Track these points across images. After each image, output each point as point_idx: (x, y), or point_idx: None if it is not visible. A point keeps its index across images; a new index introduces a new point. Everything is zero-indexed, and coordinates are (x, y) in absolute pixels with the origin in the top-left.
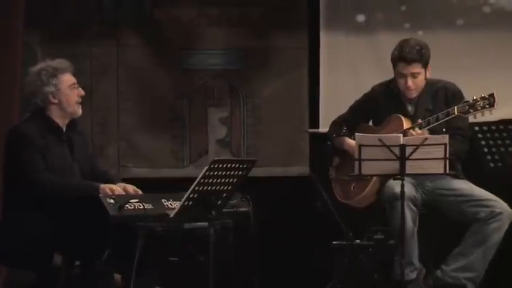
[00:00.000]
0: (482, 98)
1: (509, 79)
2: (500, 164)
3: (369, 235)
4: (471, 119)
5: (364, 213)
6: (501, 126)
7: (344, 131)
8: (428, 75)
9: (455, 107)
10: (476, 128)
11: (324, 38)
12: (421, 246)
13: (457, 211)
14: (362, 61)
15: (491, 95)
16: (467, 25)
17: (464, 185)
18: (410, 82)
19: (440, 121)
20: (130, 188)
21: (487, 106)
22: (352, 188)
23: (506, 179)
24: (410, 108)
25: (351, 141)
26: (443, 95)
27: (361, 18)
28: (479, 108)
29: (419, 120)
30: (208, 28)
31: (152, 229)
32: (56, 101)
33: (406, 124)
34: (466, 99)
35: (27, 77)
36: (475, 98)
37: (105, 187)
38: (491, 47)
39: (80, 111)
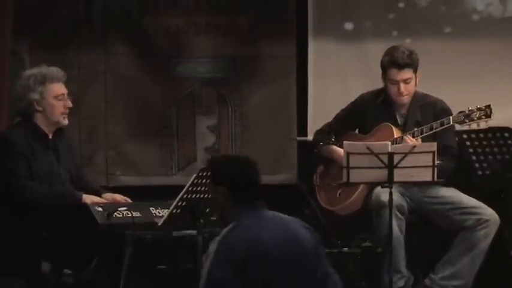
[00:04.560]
0: (479, 109)
1: (498, 87)
2: (488, 172)
3: (356, 243)
4: (459, 126)
5: (352, 221)
6: (489, 134)
7: (332, 140)
8: (417, 82)
9: (451, 117)
10: (465, 136)
11: (312, 45)
12: (409, 254)
13: (445, 219)
14: (350, 69)
15: (488, 106)
16: (456, 33)
17: (452, 193)
18: (403, 88)
19: (435, 130)
20: (119, 198)
21: (483, 117)
22: (338, 195)
23: (494, 187)
24: (399, 119)
25: (339, 150)
26: (432, 109)
27: (349, 26)
28: (475, 118)
29: (419, 130)
30: (196, 36)
31: (140, 237)
32: (40, 108)
33: (397, 133)
34: (461, 110)
35: (19, 79)
36: (470, 108)
37: (88, 198)
38: (480, 55)
39: (65, 122)
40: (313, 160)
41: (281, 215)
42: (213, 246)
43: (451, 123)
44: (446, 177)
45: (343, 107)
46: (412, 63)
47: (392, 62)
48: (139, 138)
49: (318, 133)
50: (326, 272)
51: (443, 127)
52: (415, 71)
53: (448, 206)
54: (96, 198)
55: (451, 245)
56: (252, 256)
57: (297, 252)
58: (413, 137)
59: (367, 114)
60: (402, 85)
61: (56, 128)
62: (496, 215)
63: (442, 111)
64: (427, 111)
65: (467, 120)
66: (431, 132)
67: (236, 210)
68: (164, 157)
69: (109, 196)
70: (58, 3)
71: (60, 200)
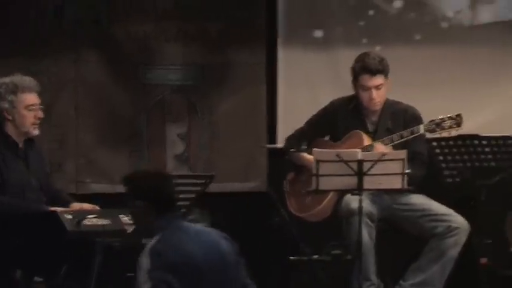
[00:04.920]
0: (450, 118)
1: (468, 94)
2: (458, 179)
3: (326, 250)
4: (429, 133)
5: (322, 228)
6: (459, 142)
7: (304, 147)
8: (388, 89)
9: (422, 125)
10: (434, 144)
11: (281, 53)
12: (379, 262)
13: (415, 226)
14: (320, 76)
15: (459, 115)
16: (425, 40)
17: (422, 200)
18: (375, 94)
19: (405, 139)
20: (86, 207)
21: (454, 126)
22: (308, 202)
23: (463, 194)
24: (370, 126)
25: (310, 157)
26: (402, 117)
27: (318, 33)
28: (446, 127)
29: (389, 138)
30: (166, 43)
31: (110, 244)
32: (10, 117)
33: (367, 141)
34: (432, 119)
35: None
36: (441, 117)
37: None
38: (449, 62)
39: (35, 133)
40: (283, 167)
41: (199, 226)
42: (143, 258)
43: (422, 132)
44: (417, 184)
45: (313, 114)
46: (383, 70)
47: (364, 68)
48: (109, 145)
49: (289, 139)
50: (245, 283)
51: (414, 135)
52: (386, 78)
53: (418, 213)
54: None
55: (421, 252)
56: (179, 265)
57: (219, 262)
58: (384, 145)
59: (337, 120)
60: (374, 91)
61: (27, 138)
62: (466, 223)
63: (413, 118)
64: (398, 118)
65: (438, 129)
66: (401, 140)
67: (158, 222)
68: (134, 165)
69: (77, 206)
70: (28, 11)
71: (25, 212)
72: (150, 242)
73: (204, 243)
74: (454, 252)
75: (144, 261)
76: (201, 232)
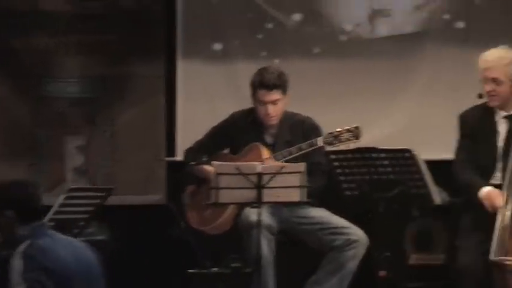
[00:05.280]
0: (348, 130)
1: (366, 106)
2: (356, 192)
3: (226, 263)
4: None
5: (222, 241)
6: (357, 155)
7: (204, 159)
8: (286, 103)
9: (320, 138)
10: (333, 156)
11: (180, 66)
12: (278, 274)
13: (314, 239)
14: (219, 89)
15: (357, 128)
16: (324, 53)
17: (321, 213)
18: (271, 109)
19: (303, 151)
20: None
21: (352, 138)
22: (208, 215)
23: (362, 207)
24: (269, 138)
25: (211, 169)
26: (301, 128)
27: (218, 46)
28: (343, 139)
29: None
30: (65, 56)
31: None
32: None
33: (265, 154)
34: (330, 131)
35: None
36: (339, 129)
37: None
38: (348, 75)
39: None
40: (183, 180)
41: (64, 236)
42: (16, 260)
43: (320, 144)
44: (318, 194)
45: (213, 126)
46: (281, 85)
47: (261, 83)
48: (7, 158)
49: (188, 151)
50: None
51: (312, 148)
52: (284, 93)
53: (317, 226)
54: None
55: (319, 265)
56: (53, 269)
57: (89, 272)
58: (282, 158)
59: (237, 133)
60: (270, 106)
61: None
62: (365, 236)
63: (311, 129)
64: (296, 130)
65: (336, 142)
66: (300, 153)
67: (23, 230)
68: (32, 177)
69: None
70: None
71: None
72: (20, 247)
73: (76, 252)
74: (352, 265)
75: (17, 263)
76: (70, 241)
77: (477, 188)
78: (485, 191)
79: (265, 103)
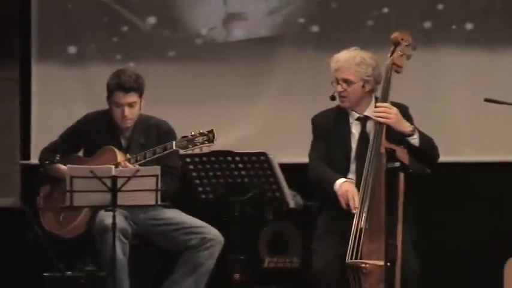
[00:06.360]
0: (201, 134)
1: (221, 110)
2: (211, 196)
3: (80, 266)
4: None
5: (76, 244)
6: (212, 158)
7: (57, 158)
8: (142, 106)
9: (174, 142)
10: (188, 160)
11: (35, 69)
12: (134, 278)
13: (169, 240)
14: (74, 92)
15: (211, 131)
16: (179, 57)
17: (175, 214)
18: (127, 111)
19: (158, 155)
20: None
21: (206, 142)
22: (61, 218)
23: (217, 211)
24: (123, 141)
25: (64, 168)
26: (155, 132)
27: (72, 49)
28: (198, 144)
29: (142, 155)
30: None
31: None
32: None
33: (120, 157)
34: (185, 135)
35: None
36: (193, 133)
37: None
38: (204, 79)
39: None
40: (38, 180)
41: None
42: None
43: (174, 148)
44: (170, 198)
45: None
46: (138, 87)
47: (118, 86)
48: None
49: (44, 152)
50: None
51: (166, 152)
52: (140, 95)
53: (172, 227)
54: None
55: (176, 266)
56: None
57: None
58: (136, 161)
59: (92, 134)
60: (127, 109)
61: None
62: (220, 235)
63: (166, 133)
64: (151, 134)
65: (190, 146)
66: (154, 157)
67: None
68: None
69: None
70: None
71: None
72: None
73: None
74: (209, 264)
75: None
76: None
77: (331, 181)
78: (341, 184)
79: (121, 105)
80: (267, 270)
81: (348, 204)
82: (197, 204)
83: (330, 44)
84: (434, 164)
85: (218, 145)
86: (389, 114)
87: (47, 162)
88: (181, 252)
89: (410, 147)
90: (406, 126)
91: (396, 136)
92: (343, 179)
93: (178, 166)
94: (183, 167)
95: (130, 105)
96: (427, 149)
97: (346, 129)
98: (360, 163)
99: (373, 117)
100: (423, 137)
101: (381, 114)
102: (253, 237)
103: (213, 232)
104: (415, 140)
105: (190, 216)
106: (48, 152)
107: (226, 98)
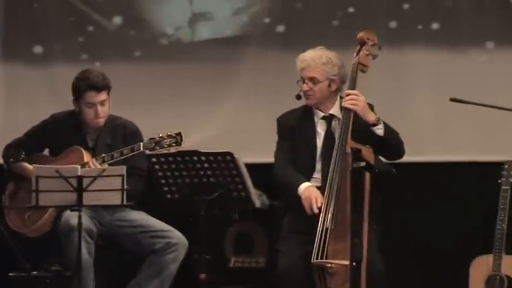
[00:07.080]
0: (169, 136)
1: (188, 111)
2: (177, 196)
3: (45, 266)
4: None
5: (41, 244)
6: (178, 158)
7: (23, 155)
8: (110, 104)
9: (142, 143)
10: (154, 160)
11: (1, 69)
12: (99, 278)
13: (134, 242)
14: (39, 93)
15: (179, 134)
16: (145, 57)
17: (141, 216)
18: (100, 110)
19: (125, 156)
20: None
21: (174, 144)
22: (27, 217)
23: (183, 211)
24: (90, 142)
25: (30, 167)
26: (121, 132)
27: (38, 49)
28: (165, 145)
29: (109, 155)
30: None
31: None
32: None
33: (87, 157)
34: (152, 136)
35: None
36: (161, 135)
37: None
38: (170, 79)
39: None
40: (3, 181)
41: None
42: None
43: (142, 149)
44: (136, 199)
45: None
46: (108, 86)
47: (90, 85)
48: None
49: (7, 148)
50: None
51: (133, 153)
52: (109, 94)
53: (137, 229)
54: None
55: (140, 269)
56: None
57: None
58: (103, 161)
59: (58, 135)
60: (99, 107)
61: None
62: (184, 239)
63: (132, 133)
64: (117, 134)
65: (158, 148)
66: (122, 157)
67: None
68: None
69: None
70: None
71: None
72: None
73: None
74: (173, 268)
75: None
76: None
77: (296, 185)
78: (305, 188)
79: (94, 105)
80: (232, 270)
81: (311, 209)
82: (163, 204)
83: (295, 44)
84: (400, 156)
85: (186, 145)
86: (357, 101)
87: (12, 160)
88: (146, 254)
89: (375, 138)
90: (371, 115)
91: (362, 135)
92: (307, 183)
93: (144, 167)
94: (149, 167)
95: (102, 103)
96: (391, 140)
97: (312, 128)
98: (325, 162)
99: (343, 105)
100: (388, 128)
101: (350, 102)
102: (219, 237)
103: (177, 236)
104: (380, 130)
105: (156, 220)
106: (13, 148)
107: (192, 98)
